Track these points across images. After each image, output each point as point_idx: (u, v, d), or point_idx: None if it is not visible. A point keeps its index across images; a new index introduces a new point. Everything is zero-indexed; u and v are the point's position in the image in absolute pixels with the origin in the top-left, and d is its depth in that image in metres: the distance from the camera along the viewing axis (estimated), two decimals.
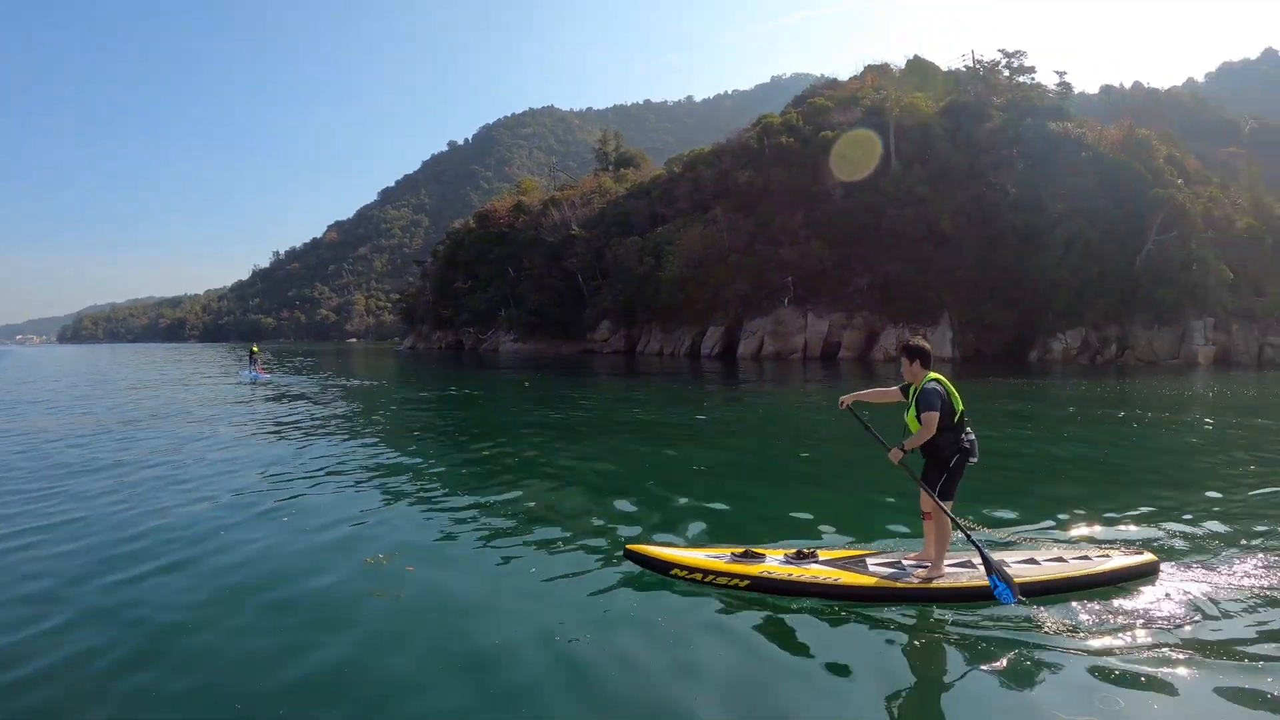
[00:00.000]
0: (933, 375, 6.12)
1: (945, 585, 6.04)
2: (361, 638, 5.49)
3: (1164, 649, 5.05)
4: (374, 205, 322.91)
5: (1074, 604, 5.77)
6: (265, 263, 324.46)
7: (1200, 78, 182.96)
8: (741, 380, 33.29)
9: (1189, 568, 6.46)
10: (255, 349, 40.48)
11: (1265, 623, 5.40)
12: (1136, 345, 42.65)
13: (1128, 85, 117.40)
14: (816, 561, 6.48)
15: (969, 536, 6.07)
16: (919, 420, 5.96)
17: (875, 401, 6.67)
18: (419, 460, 12.59)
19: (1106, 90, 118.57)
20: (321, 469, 11.77)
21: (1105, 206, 44.67)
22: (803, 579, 6.17)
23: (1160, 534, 7.57)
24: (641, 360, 50.60)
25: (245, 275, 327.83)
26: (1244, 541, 7.23)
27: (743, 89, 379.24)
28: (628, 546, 6.80)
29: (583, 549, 7.67)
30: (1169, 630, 5.34)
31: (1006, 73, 60.19)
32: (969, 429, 6.16)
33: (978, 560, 6.19)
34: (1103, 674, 4.76)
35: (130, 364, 55.19)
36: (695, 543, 7.52)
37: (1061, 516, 8.37)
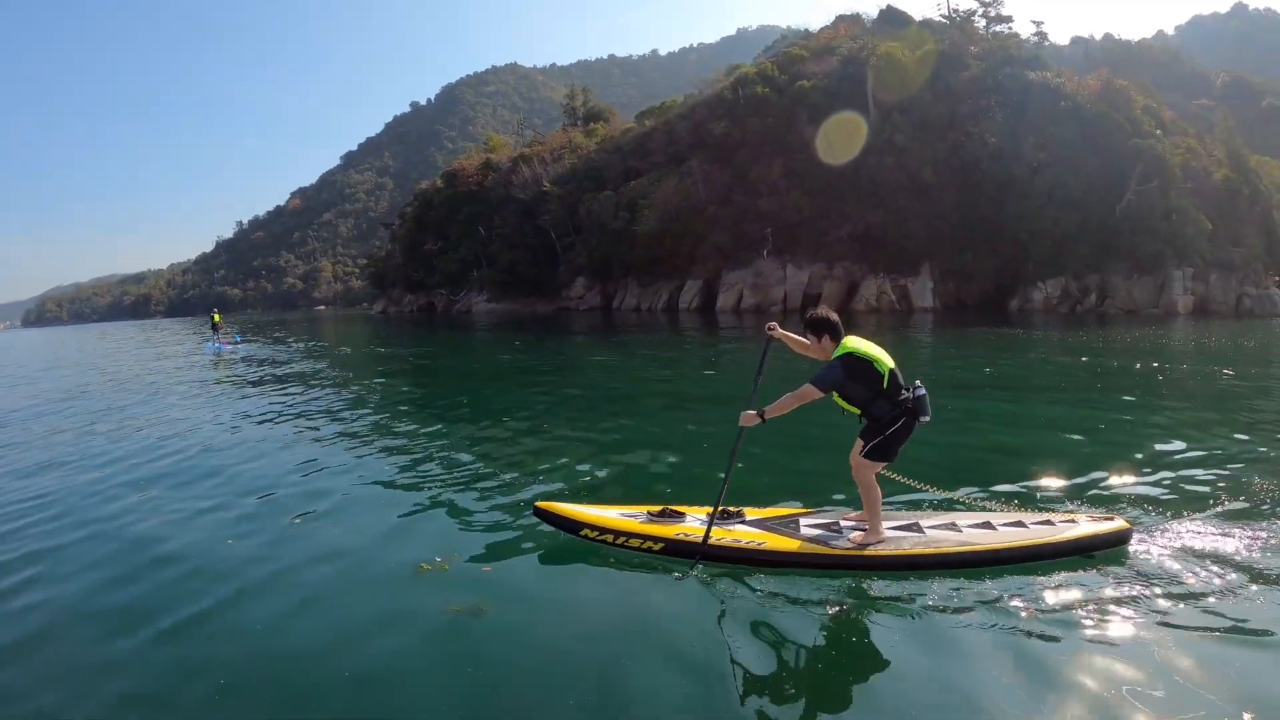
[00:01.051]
0: (847, 346, 5.38)
1: (883, 552, 5.45)
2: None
3: (1133, 626, 4.56)
4: (337, 170, 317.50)
5: (1033, 576, 5.22)
6: (229, 233, 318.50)
7: (1170, 30, 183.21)
8: (723, 333, 32.67)
9: (1165, 534, 5.83)
10: (217, 317, 38.12)
11: (1249, 599, 4.82)
12: (1116, 294, 42.44)
13: (1098, 37, 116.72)
14: (742, 521, 6.02)
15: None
16: (843, 399, 5.46)
17: (797, 350, 5.95)
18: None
19: (1077, 41, 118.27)
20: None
21: (1084, 156, 44.25)
22: (722, 541, 5.68)
23: (1135, 495, 6.89)
24: (618, 316, 49.86)
25: (209, 247, 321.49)
26: (1228, 504, 6.51)
27: (708, 41, 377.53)
28: (536, 504, 6.44)
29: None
30: (1140, 606, 4.78)
31: (983, 22, 59.52)
32: (917, 385, 5.49)
33: (928, 523, 5.85)
34: (1062, 654, 4.29)
35: (87, 349, 52.89)
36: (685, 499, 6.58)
37: (1027, 480, 7.57)
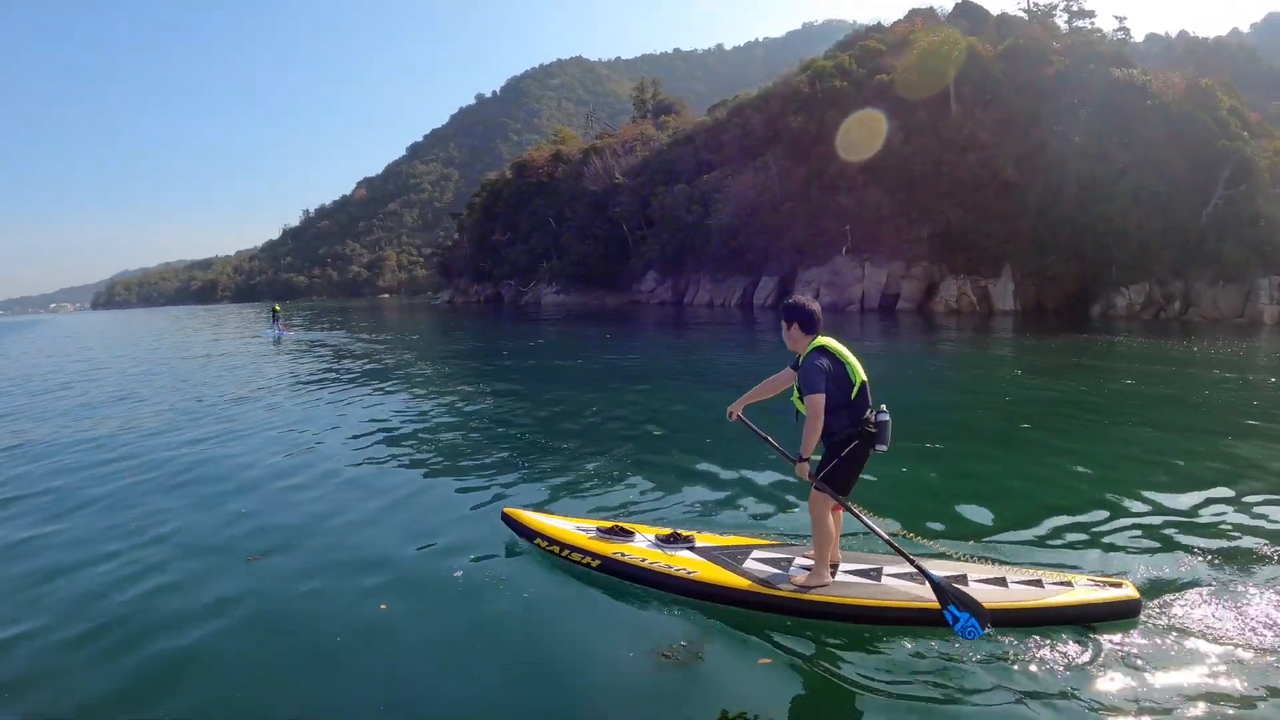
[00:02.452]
0: (820, 341, 4.96)
1: (822, 598, 4.95)
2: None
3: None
4: (403, 161, 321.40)
5: (1007, 642, 4.57)
6: (295, 221, 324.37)
7: (1245, 28, 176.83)
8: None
9: (1186, 607, 4.91)
10: (277, 308, 41.69)
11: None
12: (1200, 302, 41.24)
13: (1173, 34, 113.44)
14: (688, 547, 5.75)
15: (907, 557, 4.83)
16: (803, 402, 4.86)
17: (770, 396, 5.48)
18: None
19: (1152, 39, 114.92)
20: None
21: (1171, 158, 43.00)
22: (655, 566, 5.45)
23: (1168, 551, 5.95)
24: (690, 311, 49.98)
25: (276, 235, 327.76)
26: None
27: (774, 36, 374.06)
28: (504, 510, 6.55)
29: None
30: (1131, 695, 4.04)
31: (1064, 17, 58.39)
32: (882, 410, 4.97)
33: (891, 569, 5.25)
34: None
35: (166, 330, 55.41)
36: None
37: (1046, 520, 6.78)
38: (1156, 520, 6.75)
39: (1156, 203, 42.48)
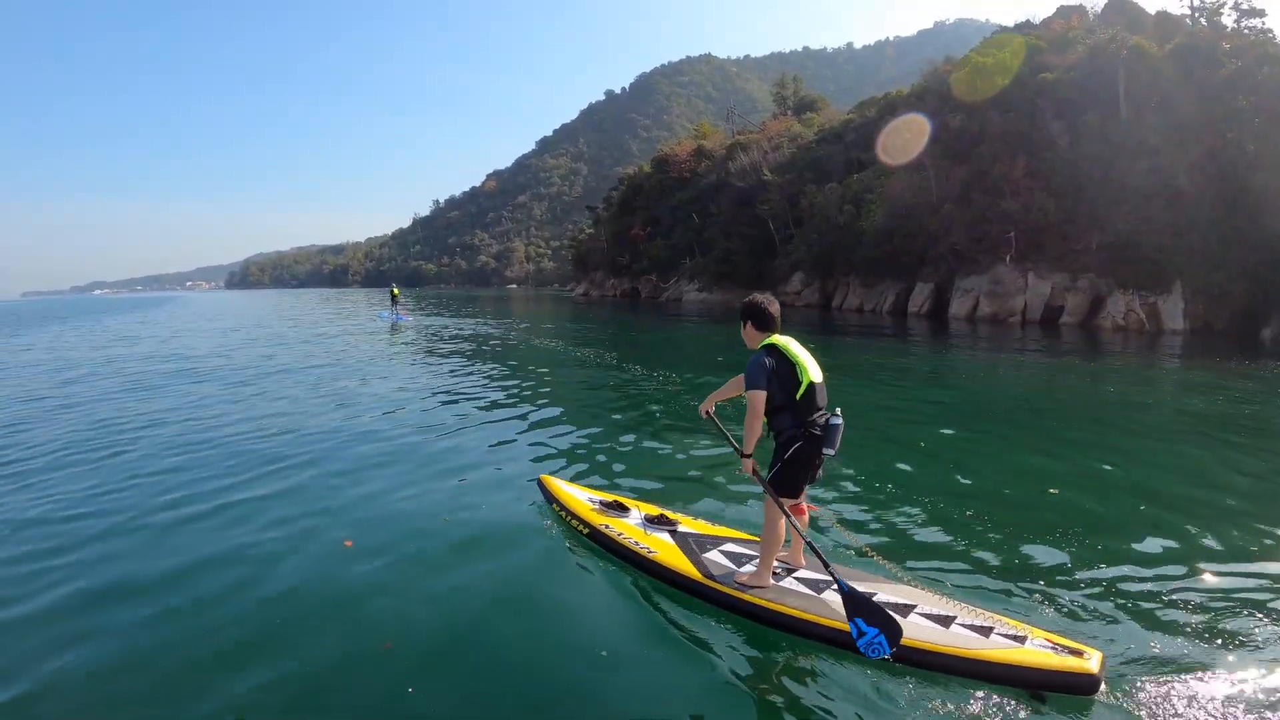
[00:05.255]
0: (771, 339, 5.02)
1: (753, 600, 4.95)
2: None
3: None
4: (532, 154, 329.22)
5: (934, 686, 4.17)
6: (426, 211, 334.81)
7: None
8: (1017, 346, 31.00)
9: (1152, 685, 4.18)
10: (395, 292, 43.56)
11: None
12: None
13: None
14: (669, 530, 6.09)
15: (823, 560, 4.75)
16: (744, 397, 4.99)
17: (737, 394, 5.44)
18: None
19: None
20: None
21: None
22: (624, 541, 5.86)
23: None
24: (839, 316, 48.69)
25: (406, 223, 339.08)
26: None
27: (904, 35, 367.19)
28: (541, 477, 7.37)
29: None
30: None
31: (1234, 15, 54.11)
32: (835, 414, 4.92)
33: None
34: None
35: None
36: None
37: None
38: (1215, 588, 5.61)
39: None
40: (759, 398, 4.83)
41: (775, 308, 5.17)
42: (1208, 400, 14.44)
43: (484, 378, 16.76)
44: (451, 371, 17.97)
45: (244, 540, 6.63)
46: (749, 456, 4.95)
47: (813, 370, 4.95)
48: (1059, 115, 48.35)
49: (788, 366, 4.91)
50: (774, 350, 4.96)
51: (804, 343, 5.02)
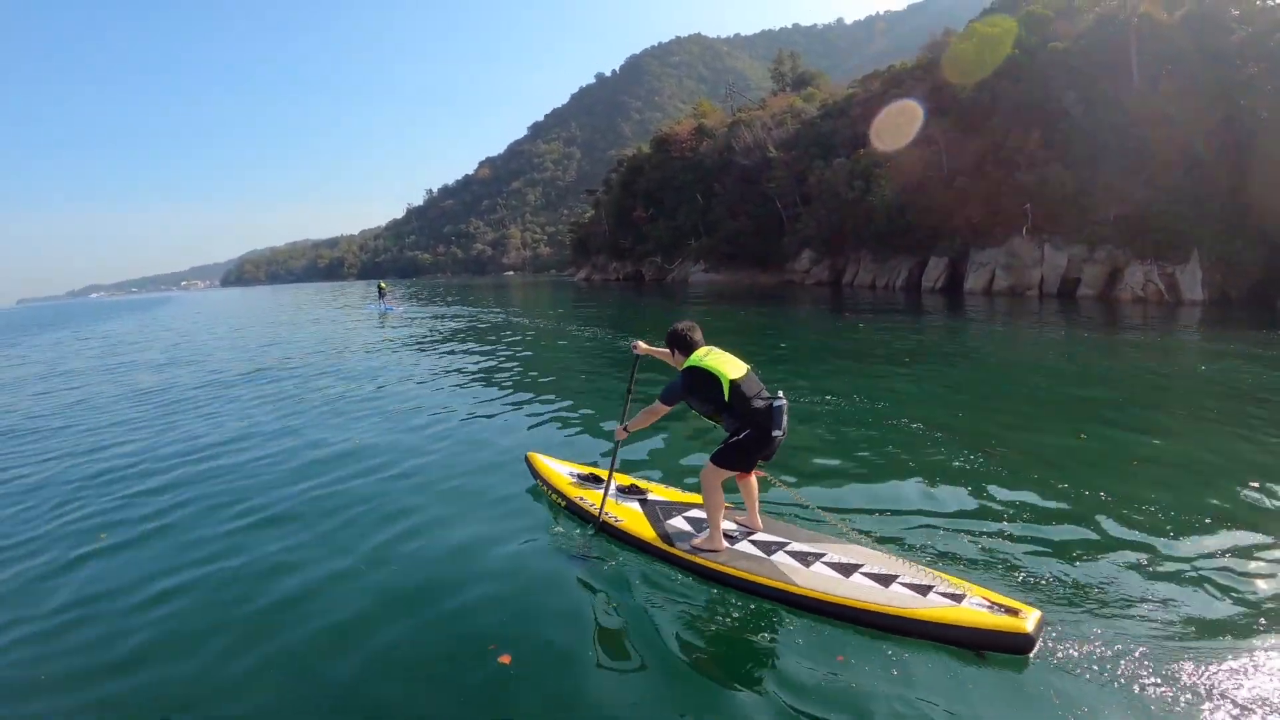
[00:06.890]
0: (690, 362, 5.52)
1: (702, 561, 5.34)
2: None
3: None
4: (525, 140, 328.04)
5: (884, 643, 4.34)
6: (419, 201, 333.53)
7: None
8: (1026, 318, 30.29)
9: (1088, 644, 4.22)
10: (383, 285, 47.08)
11: None
12: None
13: None
14: (639, 499, 6.44)
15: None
16: (695, 410, 5.70)
17: (667, 362, 6.03)
18: None
19: None
20: None
21: None
22: (592, 509, 6.20)
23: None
24: (851, 293, 47.87)
25: (400, 214, 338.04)
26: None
27: (895, 9, 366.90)
28: (528, 454, 7.51)
29: None
30: None
31: None
32: (777, 396, 5.35)
33: (792, 547, 5.38)
34: None
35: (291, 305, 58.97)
36: None
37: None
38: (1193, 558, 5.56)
39: None
40: (661, 408, 5.55)
41: (697, 334, 5.73)
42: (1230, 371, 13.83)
43: (510, 363, 16.86)
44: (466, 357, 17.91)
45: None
46: (624, 428, 5.89)
47: (731, 369, 5.39)
48: (1071, 85, 47.43)
49: (705, 379, 5.37)
50: (692, 371, 5.45)
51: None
